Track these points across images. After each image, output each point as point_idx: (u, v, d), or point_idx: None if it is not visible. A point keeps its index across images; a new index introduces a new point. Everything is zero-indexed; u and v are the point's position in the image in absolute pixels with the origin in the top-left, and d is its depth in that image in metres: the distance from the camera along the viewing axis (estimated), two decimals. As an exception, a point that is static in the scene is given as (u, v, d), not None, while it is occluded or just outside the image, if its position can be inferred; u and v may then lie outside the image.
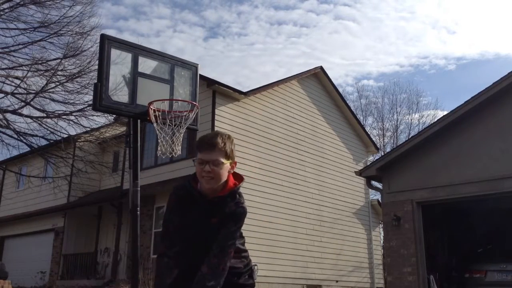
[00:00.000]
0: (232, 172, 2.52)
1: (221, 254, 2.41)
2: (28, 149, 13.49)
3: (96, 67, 7.09)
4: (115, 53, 5.15)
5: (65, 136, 13.05)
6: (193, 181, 2.53)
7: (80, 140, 15.16)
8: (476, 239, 13.11)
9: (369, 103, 34.39)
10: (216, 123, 13.97)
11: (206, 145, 2.42)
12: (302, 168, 16.42)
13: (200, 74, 5.96)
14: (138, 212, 5.06)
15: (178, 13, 52.30)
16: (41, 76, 12.66)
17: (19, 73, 12.79)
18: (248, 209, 2.55)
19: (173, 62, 5.62)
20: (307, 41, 49.51)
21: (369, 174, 11.92)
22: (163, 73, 5.54)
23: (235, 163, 2.53)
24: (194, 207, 2.51)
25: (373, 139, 22.90)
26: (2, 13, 12.35)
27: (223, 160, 2.42)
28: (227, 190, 2.49)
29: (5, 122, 12.18)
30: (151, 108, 5.22)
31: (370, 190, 17.99)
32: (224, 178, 2.46)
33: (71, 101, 12.87)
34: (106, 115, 12.47)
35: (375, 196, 20.34)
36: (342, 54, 49.47)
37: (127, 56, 5.24)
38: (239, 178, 2.59)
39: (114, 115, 11.72)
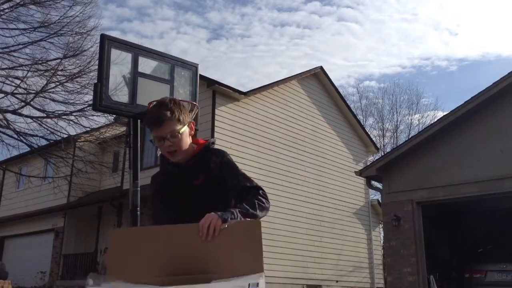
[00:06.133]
0: (193, 133, 2.46)
1: (255, 198, 2.46)
2: (28, 149, 13.48)
3: (96, 67, 7.09)
4: (115, 53, 5.14)
5: (65, 136, 13.04)
6: (164, 158, 2.44)
7: (80, 140, 15.16)
8: (476, 239, 13.11)
9: (369, 103, 34.40)
10: (216, 123, 13.96)
11: (155, 120, 2.30)
12: (302, 168, 16.41)
13: (200, 74, 5.96)
14: (138, 212, 5.05)
15: (181, 15, 52.34)
16: (41, 76, 12.66)
17: (19, 73, 12.80)
18: None
19: (173, 62, 5.61)
20: (310, 42, 49.51)
21: (369, 174, 11.93)
22: (163, 73, 5.53)
23: (192, 122, 2.48)
24: (173, 181, 2.44)
25: (373, 139, 22.88)
26: (2, 13, 12.35)
27: (179, 128, 2.32)
28: (200, 147, 2.45)
29: (5, 122, 12.17)
30: (151, 108, 5.21)
31: (370, 190, 17.98)
32: (188, 144, 2.39)
33: (71, 101, 12.89)
34: (106, 115, 12.47)
35: (375, 196, 20.33)
36: (345, 56, 49.52)
37: (127, 56, 5.24)
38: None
39: (114, 115, 11.72)
